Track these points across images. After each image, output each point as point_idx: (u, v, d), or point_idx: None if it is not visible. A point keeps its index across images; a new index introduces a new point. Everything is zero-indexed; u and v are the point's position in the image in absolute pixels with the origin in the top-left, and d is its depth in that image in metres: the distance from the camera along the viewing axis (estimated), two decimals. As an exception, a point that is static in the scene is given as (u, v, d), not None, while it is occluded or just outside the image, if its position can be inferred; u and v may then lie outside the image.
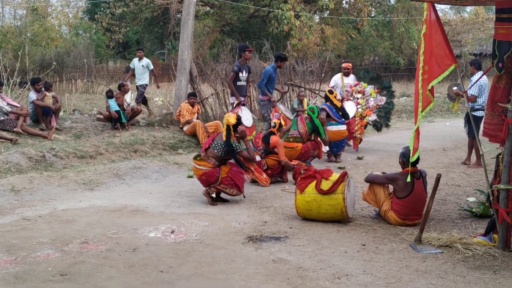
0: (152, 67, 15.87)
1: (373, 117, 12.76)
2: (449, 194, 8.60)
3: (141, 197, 8.32)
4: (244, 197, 8.14)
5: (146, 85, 15.79)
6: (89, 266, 5.39)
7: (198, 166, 7.94)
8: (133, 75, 15.96)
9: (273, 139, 9.46)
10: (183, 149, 12.26)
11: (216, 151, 7.87)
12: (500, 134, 5.98)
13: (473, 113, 10.66)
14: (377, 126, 13.26)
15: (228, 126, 7.93)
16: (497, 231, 5.99)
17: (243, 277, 5.19)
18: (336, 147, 11.39)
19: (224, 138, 7.89)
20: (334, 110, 11.25)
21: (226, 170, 7.88)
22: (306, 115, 10.46)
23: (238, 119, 8.12)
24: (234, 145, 7.86)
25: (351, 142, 13.04)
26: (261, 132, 9.72)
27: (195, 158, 8.07)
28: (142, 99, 15.48)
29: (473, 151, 11.11)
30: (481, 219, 7.12)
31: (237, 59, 12.17)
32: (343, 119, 11.39)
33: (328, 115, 11.01)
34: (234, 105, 8.13)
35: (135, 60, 15.87)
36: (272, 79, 11.95)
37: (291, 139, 10.12)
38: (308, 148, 10.05)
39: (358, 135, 12.69)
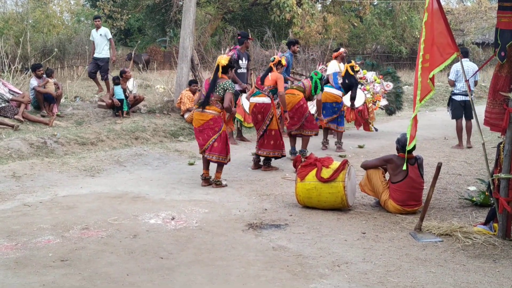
0: (110, 36, 14.38)
1: (383, 102, 13.08)
2: (450, 183, 8.60)
3: (142, 184, 8.33)
4: (228, 162, 8.28)
5: (108, 58, 14.49)
6: (89, 252, 5.41)
7: (206, 111, 7.98)
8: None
9: (273, 74, 9.40)
10: (184, 136, 12.27)
11: (217, 93, 7.96)
12: (501, 123, 5.97)
13: (453, 97, 11.63)
14: (390, 110, 13.93)
15: (218, 65, 8.02)
16: (497, 220, 6.00)
17: (243, 264, 5.20)
18: (326, 110, 11.27)
19: (211, 76, 8.07)
20: (336, 76, 11.39)
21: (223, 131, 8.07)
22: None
23: (231, 62, 8.17)
24: (228, 84, 7.95)
25: (361, 128, 13.17)
26: (258, 76, 9.70)
27: (201, 105, 8.03)
28: (106, 76, 14.18)
29: (469, 134, 11.81)
30: (481, 208, 7.13)
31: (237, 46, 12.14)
32: (340, 87, 11.36)
33: (327, 80, 11.28)
34: (230, 49, 8.23)
35: (93, 31, 14.48)
36: (289, 66, 12.12)
37: (294, 87, 10.14)
38: (306, 104, 10.04)
39: (370, 121, 12.93)
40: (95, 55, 14.39)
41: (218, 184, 8.18)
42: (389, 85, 13.38)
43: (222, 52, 15.80)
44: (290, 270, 5.08)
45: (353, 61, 11.75)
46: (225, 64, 8.04)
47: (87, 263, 5.13)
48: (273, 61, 9.63)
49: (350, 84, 11.44)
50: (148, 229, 6.17)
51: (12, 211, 6.75)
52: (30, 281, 4.72)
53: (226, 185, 8.22)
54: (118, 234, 5.97)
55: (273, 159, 9.54)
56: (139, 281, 4.77)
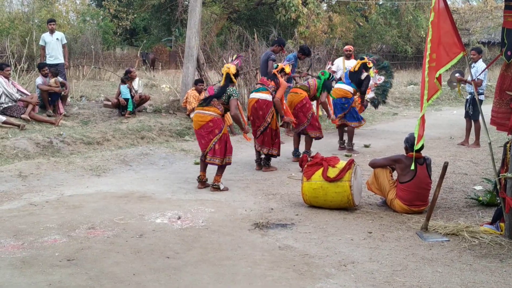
0: (65, 41, 13.69)
1: (370, 94, 13.17)
2: (456, 183, 8.57)
3: (148, 183, 8.33)
4: (228, 163, 8.09)
5: (63, 64, 13.64)
6: (95, 252, 5.42)
7: (206, 112, 7.89)
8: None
9: (281, 79, 9.48)
10: (189, 135, 12.26)
11: (222, 99, 8.02)
12: (508, 122, 5.96)
13: (480, 97, 11.27)
14: (374, 103, 14.02)
15: (228, 74, 8.14)
16: (503, 220, 5.98)
17: (249, 263, 5.20)
18: (336, 108, 11.21)
19: (222, 83, 8.24)
20: (347, 74, 11.34)
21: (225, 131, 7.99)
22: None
23: (238, 70, 8.34)
24: (232, 90, 8.04)
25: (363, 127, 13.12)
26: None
27: (201, 105, 8.05)
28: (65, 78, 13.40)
29: (472, 132, 11.88)
30: (488, 208, 7.10)
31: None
32: (352, 83, 11.17)
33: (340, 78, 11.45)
34: (234, 58, 8.42)
35: (46, 34, 13.53)
36: (294, 66, 12.10)
37: (298, 86, 10.13)
38: (309, 103, 9.99)
39: None
40: (50, 61, 13.29)
41: (215, 187, 7.95)
42: (381, 79, 13.44)
43: (227, 52, 15.81)
44: (297, 269, 5.08)
45: (366, 57, 11.64)
46: (234, 73, 8.18)
47: (93, 263, 5.14)
48: (276, 68, 9.59)
49: (359, 81, 11.22)
50: (154, 228, 6.18)
51: (18, 211, 6.77)
52: (37, 280, 4.73)
53: (225, 189, 7.98)
54: (124, 234, 5.98)
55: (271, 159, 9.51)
56: (145, 281, 4.77)
